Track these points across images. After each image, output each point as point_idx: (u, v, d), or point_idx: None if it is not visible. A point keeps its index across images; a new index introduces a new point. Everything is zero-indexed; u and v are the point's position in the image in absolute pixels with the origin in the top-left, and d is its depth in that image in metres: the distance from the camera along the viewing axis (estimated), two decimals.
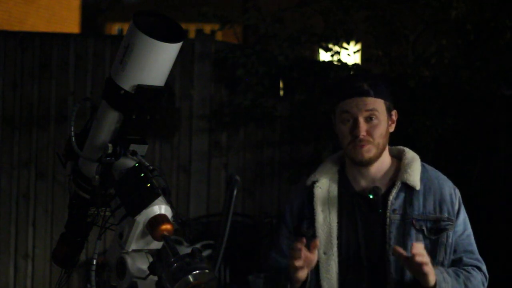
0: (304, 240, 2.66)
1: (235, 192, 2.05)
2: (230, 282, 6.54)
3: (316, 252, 2.69)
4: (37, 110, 6.94)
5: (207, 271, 2.00)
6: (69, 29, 17.19)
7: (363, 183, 2.85)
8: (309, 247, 2.68)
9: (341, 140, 2.84)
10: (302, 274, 2.69)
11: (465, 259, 2.83)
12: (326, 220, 2.81)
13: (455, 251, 2.83)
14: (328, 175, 2.89)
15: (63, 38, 7.17)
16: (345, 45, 6.93)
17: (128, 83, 2.19)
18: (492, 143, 6.58)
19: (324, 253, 2.80)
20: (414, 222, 2.77)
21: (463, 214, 2.87)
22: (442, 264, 2.79)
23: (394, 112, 2.87)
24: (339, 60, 6.78)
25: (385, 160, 2.87)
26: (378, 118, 2.79)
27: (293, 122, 6.86)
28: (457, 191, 2.89)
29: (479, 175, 6.48)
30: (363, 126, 2.77)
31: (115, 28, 28.80)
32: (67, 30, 16.45)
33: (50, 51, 6.94)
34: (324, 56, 7.19)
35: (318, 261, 2.78)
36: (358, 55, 7.93)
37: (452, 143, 6.55)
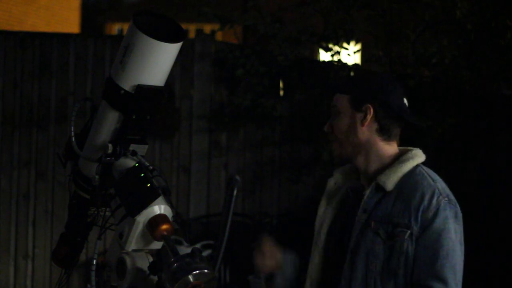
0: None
1: (235, 192, 2.05)
2: (230, 282, 6.53)
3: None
4: (37, 110, 6.93)
5: (207, 271, 2.00)
6: (69, 29, 17.17)
7: (361, 178, 2.82)
8: None
9: None
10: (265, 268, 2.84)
11: None
12: (325, 213, 2.83)
13: (418, 267, 2.60)
14: (345, 171, 2.87)
15: (63, 38, 7.17)
16: (345, 45, 6.92)
17: (128, 83, 2.19)
18: (492, 143, 6.57)
19: (315, 243, 2.82)
20: (373, 224, 2.67)
21: (440, 225, 2.61)
22: (396, 273, 2.61)
23: (368, 106, 2.70)
24: (339, 60, 6.78)
25: (375, 159, 2.76)
26: (337, 114, 2.75)
27: (293, 122, 6.85)
28: (441, 199, 2.63)
29: (479, 175, 6.48)
30: (328, 122, 2.80)
31: (115, 28, 28.79)
32: (67, 30, 16.43)
33: (50, 51, 6.94)
34: (324, 56, 7.19)
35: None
36: (358, 55, 7.92)
37: (452, 143, 6.54)
